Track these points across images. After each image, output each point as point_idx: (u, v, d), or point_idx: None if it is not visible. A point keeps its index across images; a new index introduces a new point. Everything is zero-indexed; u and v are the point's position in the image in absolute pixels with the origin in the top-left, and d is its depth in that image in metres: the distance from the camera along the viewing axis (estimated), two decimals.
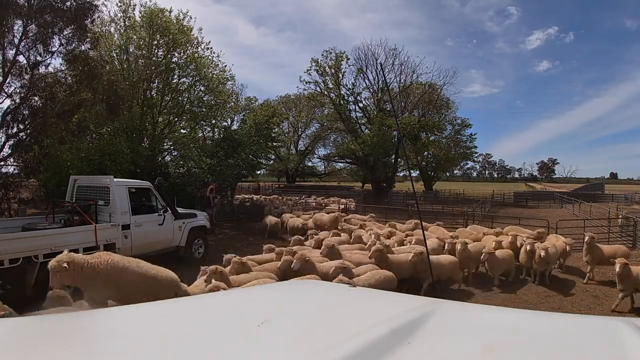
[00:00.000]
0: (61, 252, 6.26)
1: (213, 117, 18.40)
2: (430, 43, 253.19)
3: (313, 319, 1.23)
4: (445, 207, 21.94)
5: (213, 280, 4.62)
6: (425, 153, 34.53)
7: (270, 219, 13.10)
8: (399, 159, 28.81)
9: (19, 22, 11.01)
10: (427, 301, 1.41)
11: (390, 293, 1.91)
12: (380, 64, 28.63)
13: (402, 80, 29.22)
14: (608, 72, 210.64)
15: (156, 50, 15.58)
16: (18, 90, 11.73)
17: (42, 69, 11.94)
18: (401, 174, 42.30)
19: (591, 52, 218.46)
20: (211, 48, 17.09)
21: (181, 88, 16.54)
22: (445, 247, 7.71)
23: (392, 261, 6.59)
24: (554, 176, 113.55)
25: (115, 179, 7.90)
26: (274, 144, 24.57)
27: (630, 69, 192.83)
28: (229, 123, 22.80)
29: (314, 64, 27.36)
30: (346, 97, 28.22)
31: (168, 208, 8.60)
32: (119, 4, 15.42)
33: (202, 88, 17.16)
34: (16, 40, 11.08)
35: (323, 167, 50.56)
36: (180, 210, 9.06)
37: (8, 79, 11.30)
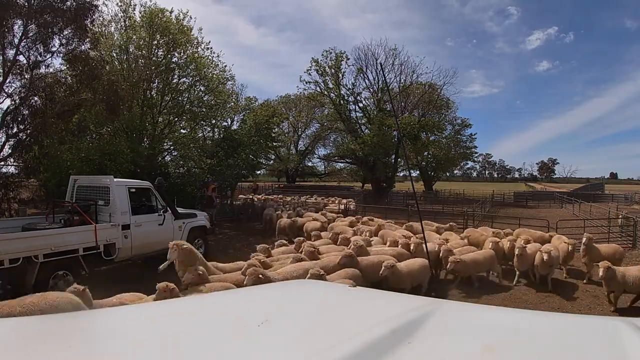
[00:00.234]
0: (61, 252, 6.32)
1: (213, 117, 18.40)
2: (430, 43, 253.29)
3: (313, 319, 1.23)
4: (445, 207, 21.92)
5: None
6: (425, 153, 34.53)
7: (283, 220, 12.42)
8: (399, 159, 28.81)
9: (19, 22, 11.00)
10: (427, 301, 1.41)
11: (390, 293, 1.91)
12: (380, 64, 28.62)
13: (402, 80, 29.23)
14: (608, 72, 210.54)
15: (156, 50, 15.57)
16: (18, 90, 11.74)
17: (42, 69, 11.94)
18: (401, 174, 42.33)
19: (591, 52, 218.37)
20: (211, 48, 17.12)
21: (181, 88, 16.54)
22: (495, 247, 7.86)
23: (361, 266, 6.20)
24: (554, 176, 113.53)
25: (115, 179, 7.90)
26: (274, 144, 24.59)
27: (630, 69, 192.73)
28: (229, 123, 22.84)
29: (314, 64, 27.39)
30: (346, 97, 28.23)
31: (168, 208, 8.60)
32: (119, 4, 15.44)
33: (202, 88, 17.15)
34: (16, 40, 11.07)
35: (323, 167, 50.63)
36: (180, 210, 9.06)
37: (8, 79, 11.31)
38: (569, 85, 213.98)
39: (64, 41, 11.79)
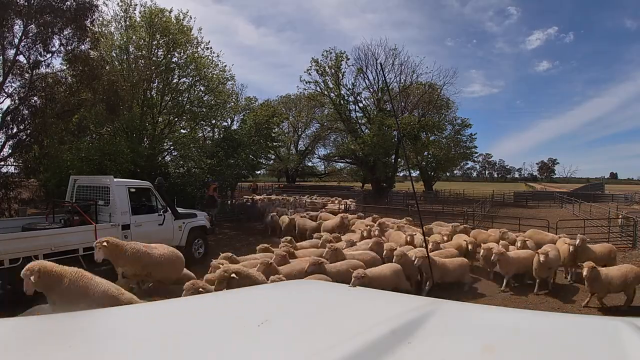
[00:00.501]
0: (61, 252, 6.31)
1: (213, 117, 18.39)
2: (430, 43, 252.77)
3: (313, 319, 1.24)
4: (445, 207, 21.93)
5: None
6: (425, 153, 34.54)
7: (284, 219, 12.73)
8: (399, 159, 28.80)
9: (19, 22, 11.01)
10: (427, 301, 1.41)
11: (390, 293, 1.91)
12: (380, 64, 28.64)
13: (402, 80, 29.22)
14: (608, 72, 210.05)
15: (156, 50, 15.57)
16: (18, 90, 11.73)
17: (42, 69, 11.94)
18: (401, 174, 42.37)
19: (591, 52, 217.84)
20: (211, 48, 17.10)
21: (181, 88, 16.53)
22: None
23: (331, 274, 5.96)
24: (554, 176, 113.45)
25: (115, 179, 7.91)
26: (274, 144, 24.57)
27: (630, 69, 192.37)
28: (229, 123, 22.85)
29: (314, 64, 27.38)
30: (346, 97, 28.22)
31: (168, 208, 8.61)
32: (120, 4, 15.45)
33: (202, 88, 17.14)
34: (16, 40, 11.08)
35: (323, 167, 50.66)
36: (180, 210, 9.07)
37: (8, 79, 11.31)
38: (569, 85, 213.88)
39: (64, 41, 11.80)
